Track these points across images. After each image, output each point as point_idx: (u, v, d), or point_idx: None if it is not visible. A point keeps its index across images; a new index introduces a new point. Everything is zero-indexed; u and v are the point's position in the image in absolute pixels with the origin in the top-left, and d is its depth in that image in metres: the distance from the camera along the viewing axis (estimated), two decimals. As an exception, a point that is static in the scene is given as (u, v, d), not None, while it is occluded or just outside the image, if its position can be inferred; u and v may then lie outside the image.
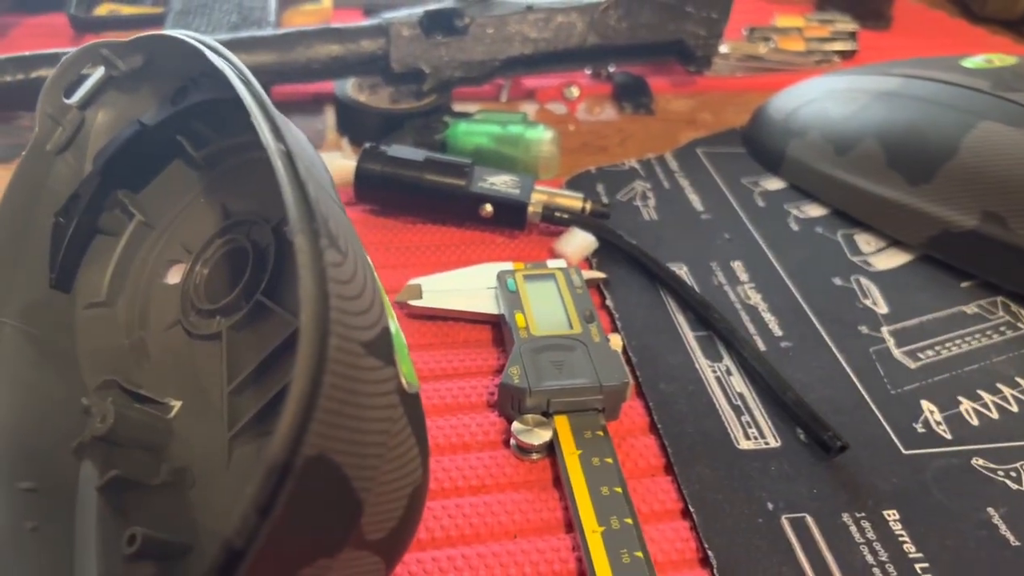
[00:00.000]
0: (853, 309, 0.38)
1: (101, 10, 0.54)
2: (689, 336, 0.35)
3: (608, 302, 0.37)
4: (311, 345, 0.18)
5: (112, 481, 0.26)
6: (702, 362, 0.34)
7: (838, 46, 0.60)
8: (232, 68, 0.26)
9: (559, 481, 0.29)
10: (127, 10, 0.54)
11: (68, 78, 0.33)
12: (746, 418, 0.32)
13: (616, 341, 0.33)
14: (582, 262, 0.39)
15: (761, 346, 0.35)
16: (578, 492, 0.27)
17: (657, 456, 0.30)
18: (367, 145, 0.41)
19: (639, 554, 0.26)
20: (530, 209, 0.40)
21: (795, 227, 0.42)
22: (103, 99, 0.34)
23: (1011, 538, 0.28)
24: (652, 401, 0.32)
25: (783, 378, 0.32)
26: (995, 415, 0.33)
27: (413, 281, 0.36)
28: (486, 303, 0.36)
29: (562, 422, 0.30)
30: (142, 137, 0.32)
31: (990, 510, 0.29)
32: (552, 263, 0.37)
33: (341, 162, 0.41)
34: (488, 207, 0.40)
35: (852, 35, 0.61)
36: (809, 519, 0.28)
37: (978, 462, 0.31)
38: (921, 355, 0.35)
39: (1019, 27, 0.69)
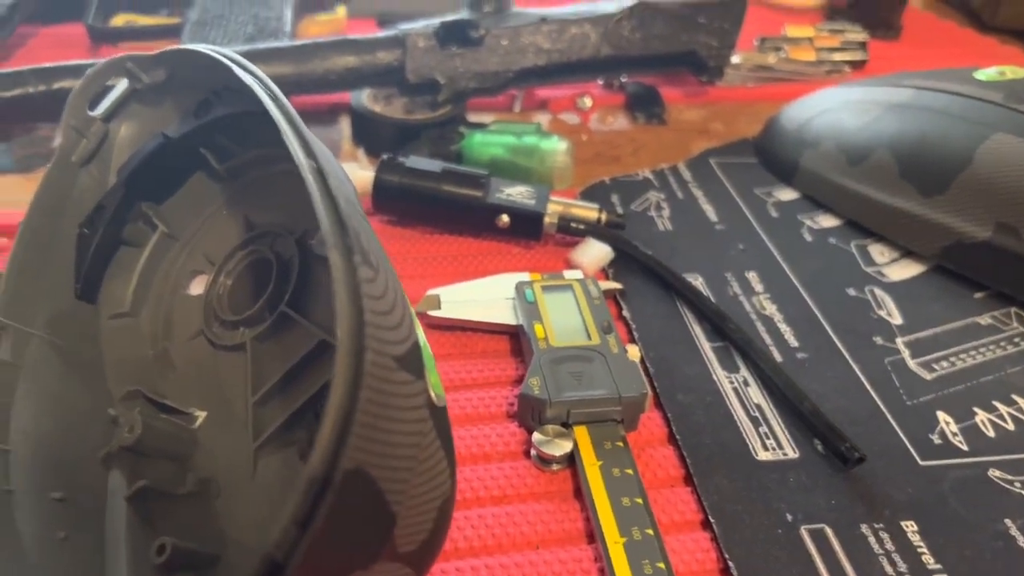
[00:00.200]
0: (868, 320, 0.38)
1: (118, 20, 0.55)
2: (706, 347, 0.36)
3: (625, 312, 0.37)
4: (348, 361, 0.18)
5: (140, 491, 0.26)
6: (719, 373, 0.34)
7: (848, 56, 0.60)
8: (260, 84, 0.27)
9: (580, 492, 0.29)
10: (143, 20, 0.55)
11: (93, 91, 0.33)
12: (764, 429, 0.32)
13: (634, 352, 0.34)
14: (598, 272, 0.39)
15: (777, 357, 0.35)
16: (599, 503, 0.28)
17: (676, 467, 0.31)
18: (384, 156, 0.41)
19: (661, 565, 0.26)
20: (546, 220, 0.40)
21: (809, 237, 0.43)
22: (126, 111, 0.34)
23: (1029, 549, 0.28)
24: (670, 412, 0.32)
25: (800, 389, 0.33)
26: (1011, 426, 0.33)
27: (432, 292, 0.37)
28: (504, 313, 0.36)
29: (582, 433, 0.30)
30: (165, 149, 0.32)
31: (1007, 521, 0.29)
32: (569, 274, 0.38)
33: (359, 173, 0.41)
34: (505, 218, 0.40)
35: (862, 45, 0.61)
36: (828, 530, 0.28)
37: (994, 473, 0.31)
38: (936, 366, 0.36)
39: (1028, 36, 0.69)
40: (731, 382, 0.34)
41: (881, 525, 0.29)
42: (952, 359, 0.36)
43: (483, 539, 0.28)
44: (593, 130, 0.53)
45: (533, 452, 0.30)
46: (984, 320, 0.38)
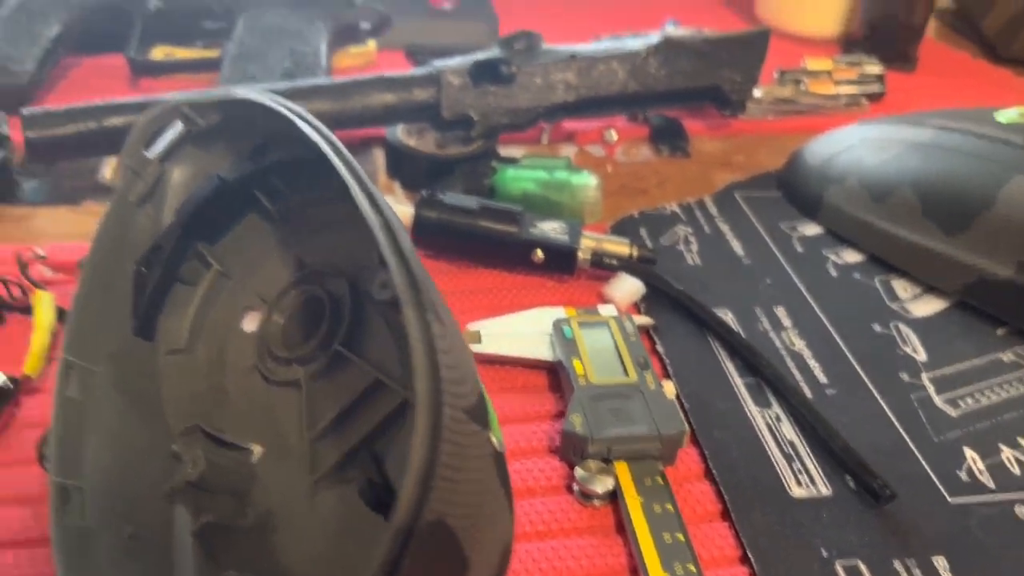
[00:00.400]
0: (893, 356, 0.39)
1: (157, 53, 0.56)
2: (738, 382, 0.37)
3: (658, 348, 0.38)
4: (428, 417, 0.19)
5: (205, 526, 0.27)
6: (752, 408, 0.35)
7: (866, 88, 0.62)
8: (322, 137, 0.28)
9: (621, 527, 0.30)
10: (181, 53, 0.56)
11: (150, 133, 0.35)
12: (797, 465, 0.33)
13: (669, 388, 0.35)
14: (631, 307, 0.41)
15: (807, 392, 0.36)
16: (642, 539, 0.29)
17: (713, 502, 0.32)
18: (424, 193, 0.43)
19: (704, 600, 0.27)
20: (579, 255, 0.42)
21: (834, 272, 0.44)
22: (180, 153, 0.35)
23: (1057, 586, 0.29)
24: (707, 448, 0.33)
25: (832, 427, 0.34)
26: (1036, 463, 0.34)
27: (472, 326, 0.38)
28: (542, 348, 0.37)
29: (622, 468, 0.31)
30: (221, 191, 0.34)
31: (1035, 558, 0.30)
32: (603, 309, 0.39)
33: (398, 208, 0.43)
34: (539, 253, 0.42)
35: (879, 77, 0.63)
36: (862, 566, 0.29)
37: (1021, 510, 0.32)
38: (961, 402, 0.37)
39: (1042, 67, 0.70)
40: (764, 418, 0.35)
41: (913, 561, 0.30)
42: (976, 395, 0.37)
43: (530, 573, 0.29)
44: (619, 162, 0.54)
45: (576, 487, 0.31)
46: (1007, 357, 0.39)
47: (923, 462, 0.34)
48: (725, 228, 0.47)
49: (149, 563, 0.26)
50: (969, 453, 0.34)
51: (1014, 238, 0.39)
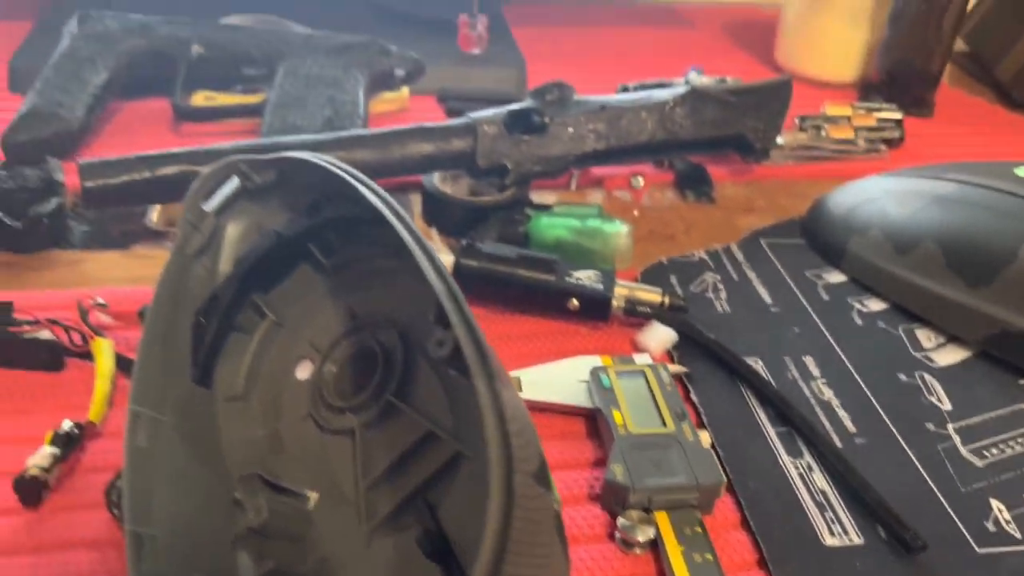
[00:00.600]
0: (919, 405, 0.40)
1: (198, 98, 0.58)
2: (771, 431, 0.38)
3: (693, 396, 0.40)
4: (501, 485, 0.21)
5: (269, 573, 0.29)
6: (785, 458, 0.37)
7: (886, 134, 0.63)
8: (381, 200, 0.30)
9: (663, 575, 0.32)
10: (223, 99, 0.58)
11: (208, 188, 0.36)
12: (829, 514, 0.34)
13: (705, 438, 0.36)
14: (663, 355, 0.42)
15: (837, 442, 0.38)
16: (685, 588, 0.30)
17: (750, 552, 0.33)
18: (464, 242, 0.44)
19: (746, 650, 0.28)
20: (613, 303, 0.43)
21: (859, 321, 0.45)
22: (235, 207, 0.37)
23: (1084, 638, 0.30)
24: (743, 498, 0.35)
25: (863, 478, 0.35)
26: (1061, 515, 0.35)
27: (512, 374, 0.39)
28: (580, 396, 0.39)
29: (663, 518, 0.33)
30: (277, 245, 0.35)
31: (1063, 610, 0.31)
32: (638, 358, 0.40)
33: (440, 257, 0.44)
34: (575, 301, 0.43)
35: (898, 123, 0.64)
36: (896, 616, 0.31)
37: (1048, 562, 0.33)
38: (987, 453, 0.38)
39: (1055, 112, 0.72)
40: (796, 467, 0.36)
41: (944, 612, 0.31)
42: (1001, 446, 0.38)
43: (577, 620, 0.30)
44: (645, 207, 0.56)
45: (618, 535, 0.33)
46: (1030, 407, 0.40)
47: (951, 512, 0.35)
48: (752, 275, 0.48)
49: (219, 609, 0.28)
50: (996, 504, 0.35)
51: (1036, 292, 0.41)
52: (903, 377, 0.42)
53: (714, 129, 0.55)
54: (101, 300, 0.40)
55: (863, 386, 0.41)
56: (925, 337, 0.44)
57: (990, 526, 0.34)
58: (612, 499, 0.34)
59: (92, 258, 0.46)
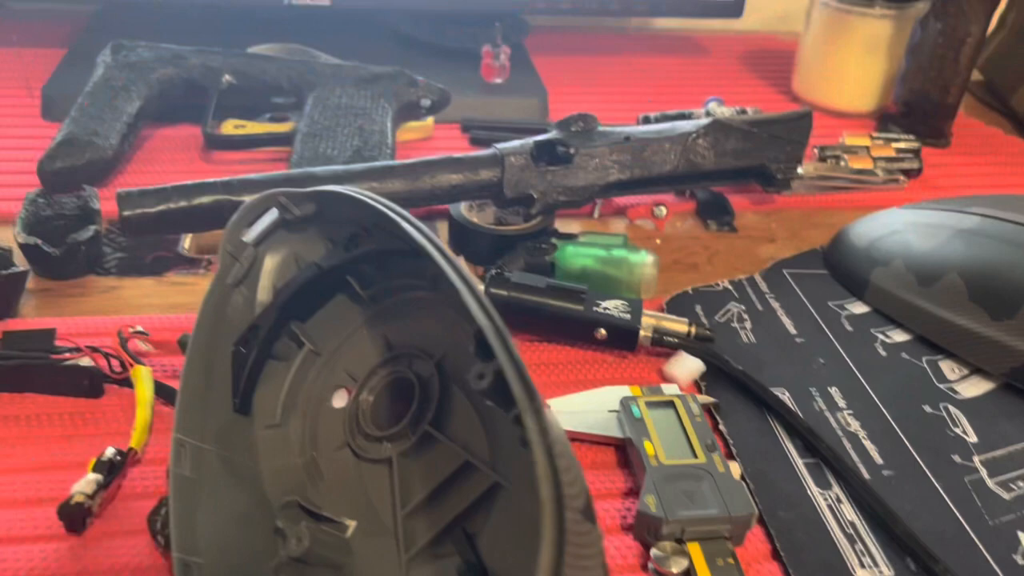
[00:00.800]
0: (945, 438, 0.41)
1: (227, 126, 0.60)
2: (799, 463, 0.38)
3: (721, 427, 0.40)
4: (553, 523, 0.21)
5: (311, 600, 0.29)
6: (813, 490, 0.37)
7: (905, 165, 0.64)
8: (423, 235, 0.30)
9: (696, 606, 0.32)
10: (252, 127, 0.59)
11: (248, 220, 0.37)
12: (859, 546, 0.35)
13: (735, 469, 0.36)
14: (691, 385, 0.43)
15: (864, 474, 0.38)
16: (720, 620, 0.30)
17: (782, 583, 0.33)
18: (493, 271, 0.45)
19: None
20: (641, 333, 0.44)
21: (883, 352, 0.46)
22: (273, 238, 0.38)
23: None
24: (774, 529, 0.35)
25: (892, 511, 0.35)
26: (1089, 549, 0.35)
27: (542, 404, 0.40)
28: (610, 426, 0.39)
29: (695, 549, 0.33)
30: (317, 276, 0.36)
31: (1094, 645, 0.31)
32: (666, 388, 0.41)
33: (467, 285, 0.45)
34: (603, 331, 0.44)
35: (916, 153, 0.65)
36: (928, 650, 0.31)
37: (1078, 596, 0.33)
38: (1014, 485, 0.38)
39: (1071, 142, 0.72)
40: (825, 499, 0.37)
41: (976, 646, 0.31)
42: (1028, 479, 0.39)
43: (612, 650, 0.30)
44: (668, 236, 0.56)
45: (651, 566, 0.33)
46: (1055, 440, 0.41)
47: (979, 545, 0.35)
48: (776, 305, 0.49)
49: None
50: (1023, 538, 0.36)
51: (1060, 326, 0.41)
52: (928, 409, 0.42)
53: (737, 160, 0.56)
54: (141, 328, 0.41)
55: (889, 418, 0.41)
56: (949, 369, 0.45)
57: (1019, 559, 0.35)
58: (645, 530, 0.34)
59: (127, 285, 0.47)
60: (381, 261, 0.36)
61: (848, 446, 0.40)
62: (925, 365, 0.45)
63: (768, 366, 0.44)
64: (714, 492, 0.34)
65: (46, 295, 0.46)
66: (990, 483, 0.38)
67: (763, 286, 0.51)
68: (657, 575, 0.33)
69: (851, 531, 0.35)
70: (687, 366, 0.43)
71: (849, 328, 0.47)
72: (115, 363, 0.39)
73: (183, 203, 0.45)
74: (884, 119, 0.72)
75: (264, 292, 0.37)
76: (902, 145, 0.65)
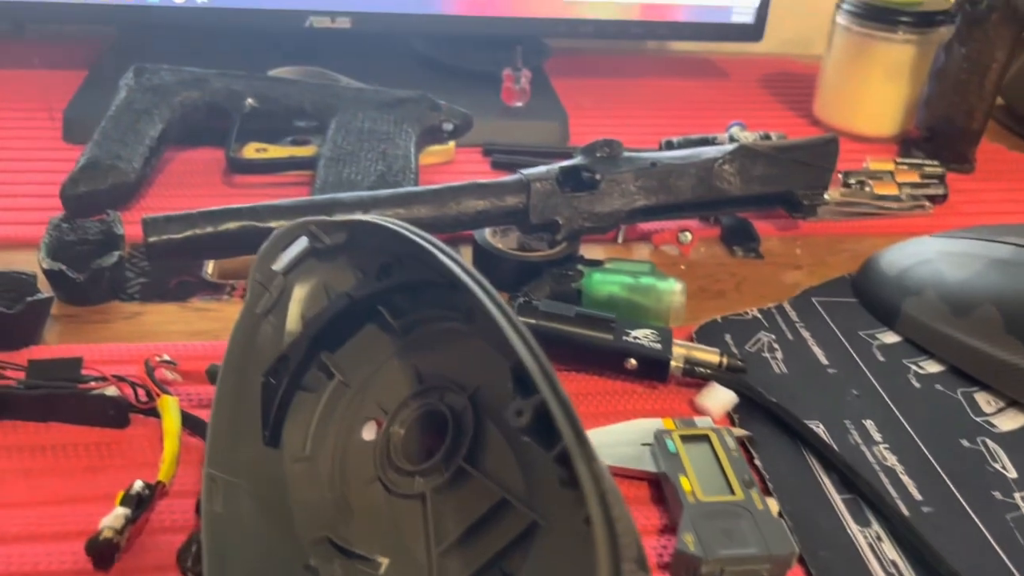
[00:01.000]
0: (984, 473, 0.40)
1: (249, 150, 0.59)
2: (836, 499, 0.38)
3: (757, 462, 0.39)
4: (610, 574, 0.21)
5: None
6: (853, 527, 0.36)
7: (930, 190, 0.64)
8: (462, 269, 0.30)
9: (738, 649, 0.31)
10: (274, 151, 0.59)
11: (279, 249, 0.37)
12: (902, 587, 0.34)
13: (773, 505, 0.36)
14: (723, 417, 0.42)
15: (903, 510, 0.37)
16: (764, 665, 0.30)
17: (825, 626, 0.32)
18: (521, 299, 0.44)
19: None
20: (672, 364, 0.43)
21: (916, 383, 0.45)
22: (303, 267, 0.37)
23: None
24: (813, 568, 0.34)
25: (935, 550, 0.34)
26: None
27: (574, 436, 0.39)
28: (644, 460, 0.38)
29: (735, 589, 0.32)
30: (348, 306, 0.36)
31: None
32: (699, 421, 0.40)
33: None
34: (633, 361, 0.43)
35: (941, 179, 0.64)
36: None
37: None
38: (1057, 524, 0.37)
39: (1095, 167, 0.72)
40: (865, 537, 0.36)
41: None
42: (1071, 517, 0.38)
43: None
44: (694, 262, 0.56)
45: (690, 607, 0.32)
46: (1097, 476, 0.40)
47: (1025, 586, 0.34)
48: (806, 334, 0.48)
49: None
50: (1070, 578, 0.35)
51: (1100, 359, 0.40)
52: (965, 443, 0.41)
53: (763, 186, 0.55)
54: (168, 357, 0.40)
55: (926, 452, 0.41)
56: (985, 401, 0.44)
57: (1067, 602, 0.34)
58: (683, 569, 0.33)
59: (151, 311, 0.47)
60: (413, 291, 0.36)
61: (886, 481, 0.39)
62: (960, 397, 0.44)
63: (801, 398, 0.43)
64: (753, 530, 0.34)
65: (70, 321, 0.45)
66: (1033, 521, 0.37)
67: (792, 315, 0.50)
68: (697, 616, 0.32)
69: (893, 570, 0.34)
70: (720, 398, 0.42)
71: (881, 358, 0.47)
72: (141, 392, 0.39)
73: (209, 229, 0.45)
74: (906, 144, 0.72)
75: (293, 322, 0.37)
76: (927, 170, 0.65)
